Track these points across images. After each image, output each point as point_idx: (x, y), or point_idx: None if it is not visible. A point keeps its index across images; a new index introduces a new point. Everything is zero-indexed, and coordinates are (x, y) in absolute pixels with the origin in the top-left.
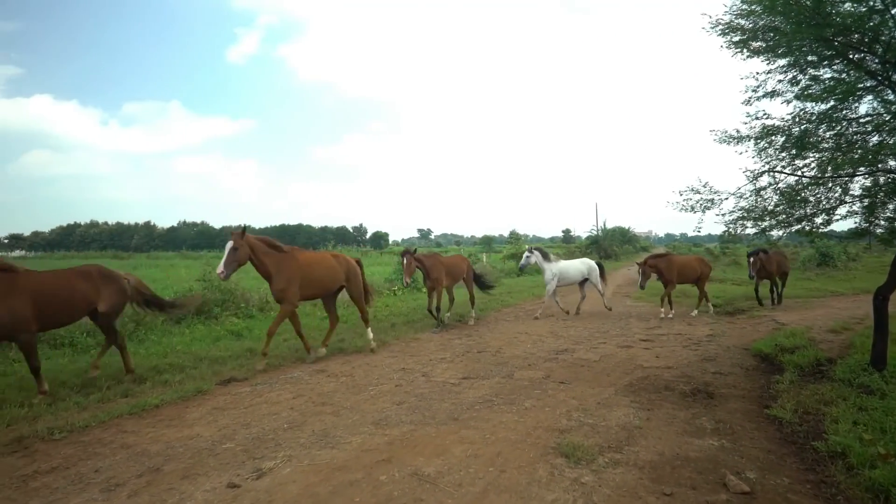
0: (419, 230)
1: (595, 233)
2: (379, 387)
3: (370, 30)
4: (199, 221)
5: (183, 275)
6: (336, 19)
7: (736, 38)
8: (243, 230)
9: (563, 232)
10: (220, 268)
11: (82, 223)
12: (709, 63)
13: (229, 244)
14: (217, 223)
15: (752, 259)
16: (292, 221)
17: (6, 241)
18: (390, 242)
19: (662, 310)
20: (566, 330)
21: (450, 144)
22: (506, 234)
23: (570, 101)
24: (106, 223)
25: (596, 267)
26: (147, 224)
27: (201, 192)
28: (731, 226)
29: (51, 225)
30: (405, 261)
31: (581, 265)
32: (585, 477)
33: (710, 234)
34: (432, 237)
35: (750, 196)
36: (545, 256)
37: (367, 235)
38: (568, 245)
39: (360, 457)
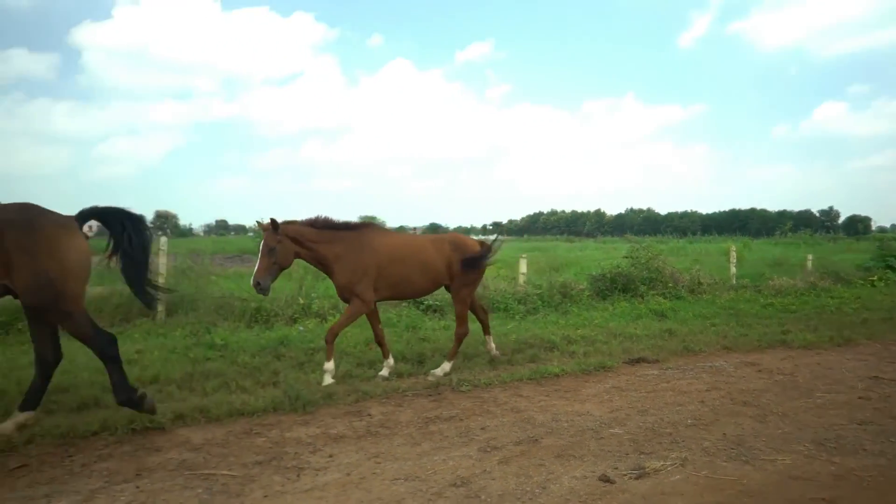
0: None
1: None
2: (831, 395)
3: None
4: (644, 208)
5: (618, 255)
6: None
7: None
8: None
9: None
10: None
11: (545, 212)
12: None
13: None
14: (662, 210)
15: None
16: (745, 206)
17: (490, 227)
18: (873, 228)
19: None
20: None
21: None
22: None
23: None
24: (563, 211)
25: None
26: (597, 212)
27: (648, 180)
28: None
29: (521, 214)
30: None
31: None
32: None
33: None
34: None
35: None
36: None
37: (840, 220)
38: None
39: (785, 485)
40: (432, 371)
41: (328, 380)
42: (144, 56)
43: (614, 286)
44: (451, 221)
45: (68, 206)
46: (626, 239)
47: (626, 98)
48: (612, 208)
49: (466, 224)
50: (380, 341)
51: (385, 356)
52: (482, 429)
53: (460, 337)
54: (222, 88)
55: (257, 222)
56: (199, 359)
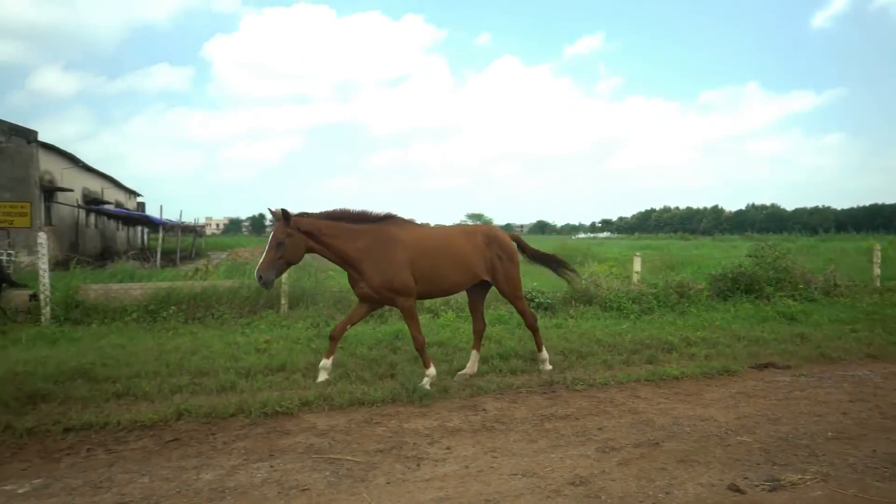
0: None
1: None
2: None
3: None
4: (768, 204)
5: (739, 254)
6: None
7: None
8: None
9: None
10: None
11: (657, 209)
12: None
13: None
14: (789, 205)
15: None
16: (889, 200)
17: (599, 224)
18: None
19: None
20: None
21: None
22: None
23: None
24: (677, 208)
25: None
26: (714, 208)
27: (773, 174)
28: None
29: (632, 211)
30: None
31: None
32: None
33: None
34: None
35: None
36: None
37: None
38: None
39: None
40: (540, 368)
41: (427, 385)
42: (266, 64)
43: (736, 286)
44: (558, 219)
45: (198, 207)
46: (747, 237)
47: (748, 86)
48: (731, 204)
49: (574, 221)
50: (335, 335)
51: (327, 356)
52: (599, 429)
53: (534, 326)
54: (336, 92)
55: (269, 209)
56: (320, 349)
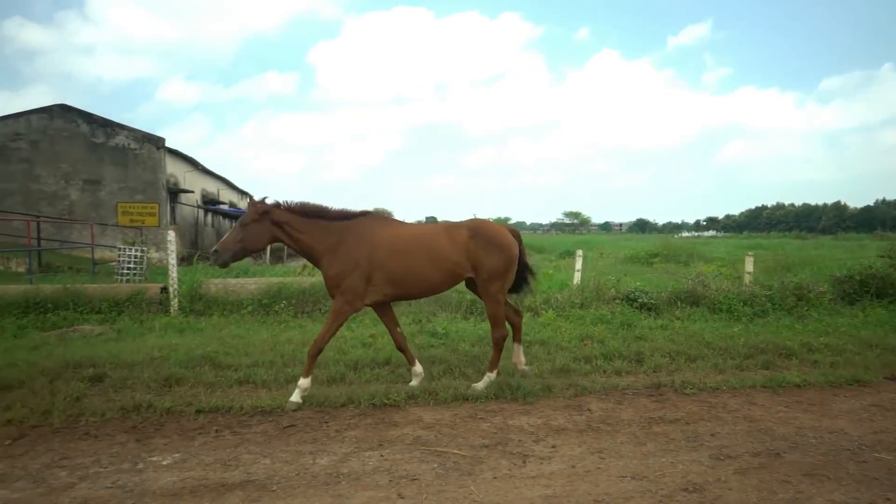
0: None
1: None
2: None
3: None
4: None
5: (867, 254)
6: None
7: None
8: None
9: None
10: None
11: (769, 206)
12: None
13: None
14: None
15: None
16: None
17: (703, 223)
18: None
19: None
20: None
21: None
22: None
23: None
24: (792, 205)
25: None
26: (836, 204)
27: None
28: None
29: (741, 208)
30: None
31: None
32: None
33: None
34: None
35: None
36: None
37: None
38: None
39: None
40: (473, 385)
41: (296, 397)
42: (367, 67)
43: (865, 289)
44: (660, 217)
45: None
46: (877, 235)
47: (881, 70)
48: (856, 200)
49: (677, 219)
50: (401, 347)
51: (410, 363)
52: (712, 435)
53: (498, 342)
54: (434, 93)
55: (251, 199)
56: (423, 345)
